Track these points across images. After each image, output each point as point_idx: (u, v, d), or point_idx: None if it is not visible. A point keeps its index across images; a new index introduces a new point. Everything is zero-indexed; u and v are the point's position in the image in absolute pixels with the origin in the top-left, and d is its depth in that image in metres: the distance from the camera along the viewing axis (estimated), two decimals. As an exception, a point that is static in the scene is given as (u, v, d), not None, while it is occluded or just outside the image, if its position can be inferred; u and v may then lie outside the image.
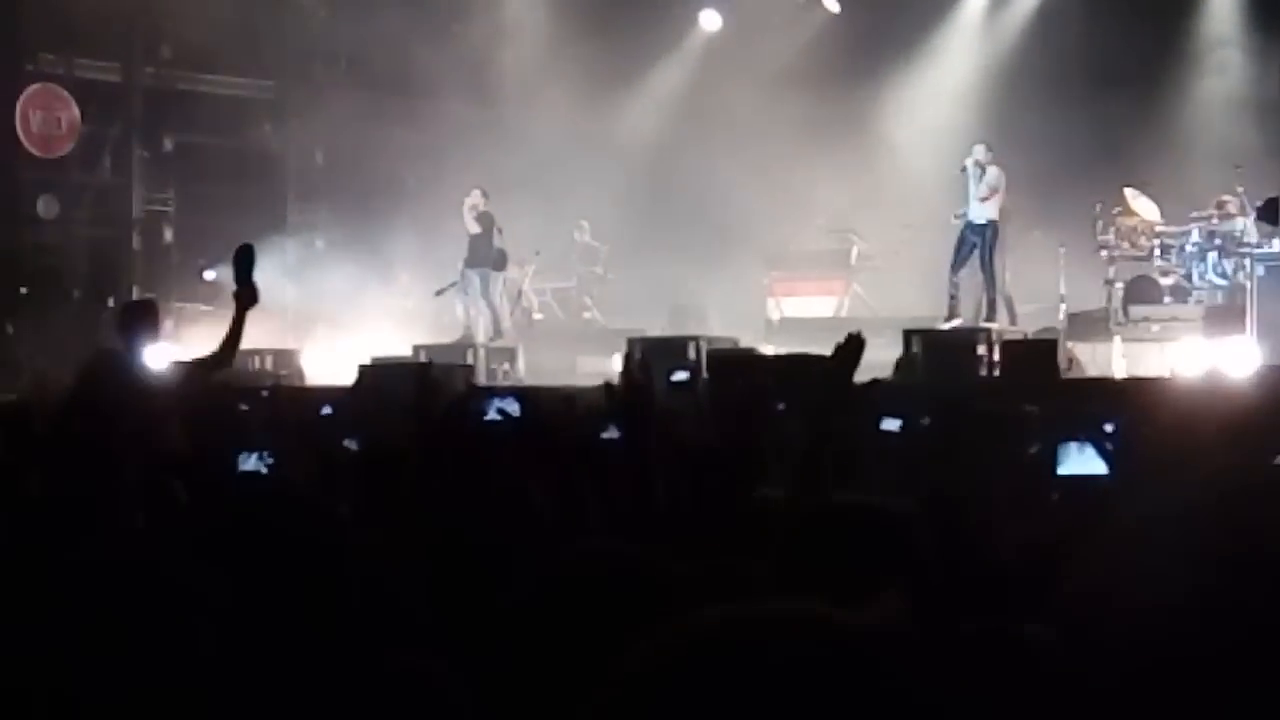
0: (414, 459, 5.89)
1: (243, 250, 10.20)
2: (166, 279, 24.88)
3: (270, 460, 6.30)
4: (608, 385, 5.26)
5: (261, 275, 10.16)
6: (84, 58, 24.76)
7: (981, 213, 21.09)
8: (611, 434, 7.46)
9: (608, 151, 26.24)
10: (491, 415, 7.58)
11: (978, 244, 21.13)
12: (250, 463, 6.35)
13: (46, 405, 9.41)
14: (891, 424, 9.66)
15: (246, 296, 10.03)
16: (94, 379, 9.86)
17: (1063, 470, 6.19)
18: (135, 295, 23.31)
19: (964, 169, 21.32)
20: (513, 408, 6.70)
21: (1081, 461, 6.18)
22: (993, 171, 21.14)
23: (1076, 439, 6.27)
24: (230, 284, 10.30)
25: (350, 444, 7.68)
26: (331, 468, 6.48)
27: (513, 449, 5.48)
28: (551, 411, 7.47)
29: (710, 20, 28.51)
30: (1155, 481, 5.66)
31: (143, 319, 10.54)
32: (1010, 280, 22.48)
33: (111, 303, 23.81)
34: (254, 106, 26.68)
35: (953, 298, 21.30)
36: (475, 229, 22.92)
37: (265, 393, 13.09)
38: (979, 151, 21.34)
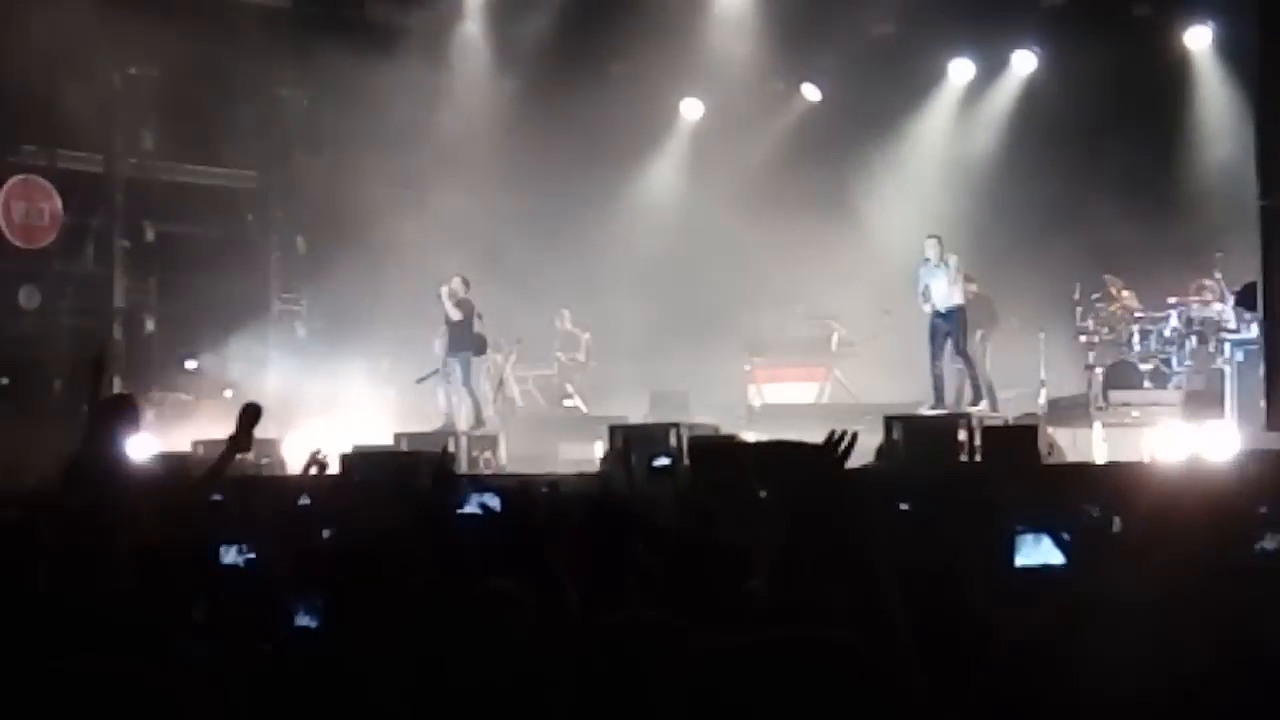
0: (394, 552, 5.90)
1: (250, 408, 10.17)
2: (148, 369, 24.85)
3: (250, 554, 6.28)
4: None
5: (243, 363, 10.17)
6: (66, 149, 24.82)
7: (948, 300, 21.31)
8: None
9: (589, 239, 26.33)
10: (471, 509, 7.57)
11: (950, 331, 21.36)
12: (230, 555, 6.33)
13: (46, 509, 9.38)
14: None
15: (240, 445, 10.01)
16: (79, 482, 9.81)
17: (1020, 561, 6.17)
18: (117, 386, 23.29)
19: (927, 260, 21.60)
20: (494, 502, 6.69)
21: (1038, 553, 6.17)
22: (953, 260, 21.40)
23: (1034, 530, 6.26)
24: (212, 373, 10.29)
25: (328, 534, 7.67)
26: (309, 560, 6.46)
27: (493, 547, 5.47)
28: (531, 505, 7.46)
29: (692, 109, 28.68)
30: (1114, 569, 5.67)
31: (122, 414, 10.49)
32: (990, 367, 22.60)
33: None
34: (236, 196, 26.75)
35: (937, 386, 21.44)
36: (456, 316, 22.97)
37: (242, 483, 13.02)
38: (932, 246, 21.59)
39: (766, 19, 26.37)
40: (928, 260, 21.62)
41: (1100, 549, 6.60)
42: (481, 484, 8.34)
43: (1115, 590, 3.17)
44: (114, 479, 9.60)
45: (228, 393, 24.88)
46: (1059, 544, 6.07)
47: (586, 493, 11.35)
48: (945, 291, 21.39)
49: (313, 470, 9.20)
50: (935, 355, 21.61)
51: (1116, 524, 8.35)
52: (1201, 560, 6.30)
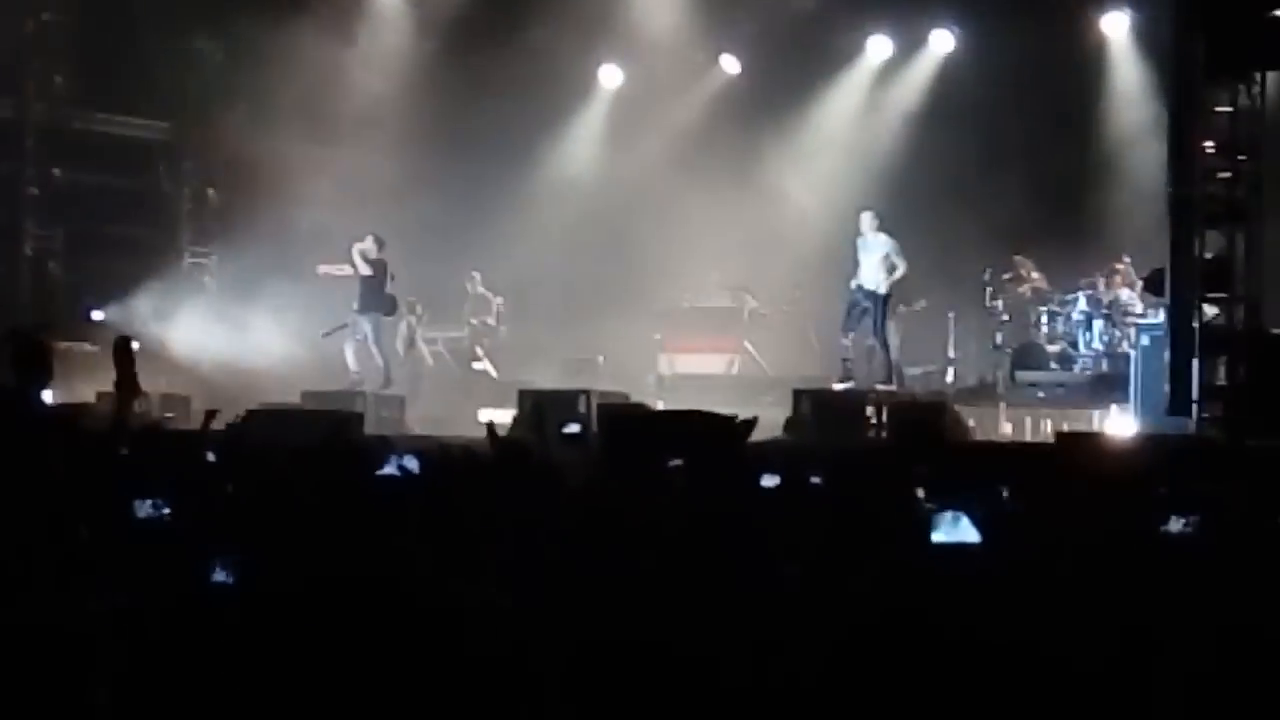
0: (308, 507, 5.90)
1: (119, 344, 10.00)
2: (54, 317, 24.56)
3: (164, 509, 6.24)
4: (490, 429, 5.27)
5: (150, 315, 10.07)
6: (-27, 95, 24.53)
7: (875, 279, 21.09)
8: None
9: (504, 203, 26.29)
10: (390, 470, 7.56)
11: (870, 309, 21.09)
12: (146, 509, 6.29)
13: None
14: (770, 481, 9.77)
15: (127, 388, 9.87)
16: None
17: (936, 538, 6.24)
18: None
19: (860, 233, 21.43)
20: (412, 465, 6.68)
21: (955, 531, 6.24)
22: (885, 240, 21.18)
23: (950, 508, 6.34)
24: (119, 324, 10.19)
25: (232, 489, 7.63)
26: (219, 515, 6.45)
27: (414, 509, 5.48)
28: (449, 468, 7.46)
29: (610, 76, 28.64)
30: (1024, 549, 5.76)
31: (34, 360, 10.35)
32: (898, 345, 22.73)
33: (-4, 339, 23.52)
34: (148, 146, 26.46)
35: (845, 360, 21.39)
36: (367, 272, 22.77)
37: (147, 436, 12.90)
38: (866, 220, 21.42)
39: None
40: (861, 234, 21.45)
41: (1010, 528, 6.68)
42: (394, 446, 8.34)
43: (1027, 571, 3.23)
44: (25, 425, 9.51)
45: (134, 344, 24.62)
46: (975, 522, 6.15)
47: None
48: (872, 270, 21.07)
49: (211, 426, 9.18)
50: (847, 328, 21.36)
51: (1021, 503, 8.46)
52: (1107, 541, 6.41)
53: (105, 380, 20.74)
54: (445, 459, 6.37)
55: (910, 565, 5.70)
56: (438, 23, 27.16)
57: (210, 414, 9.19)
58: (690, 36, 27.23)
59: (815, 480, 8.85)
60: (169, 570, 3.19)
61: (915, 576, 5.46)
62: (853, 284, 21.30)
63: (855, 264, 21.39)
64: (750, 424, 5.56)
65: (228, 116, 26.48)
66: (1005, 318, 22.50)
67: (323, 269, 23.26)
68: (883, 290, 20.99)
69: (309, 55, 25.67)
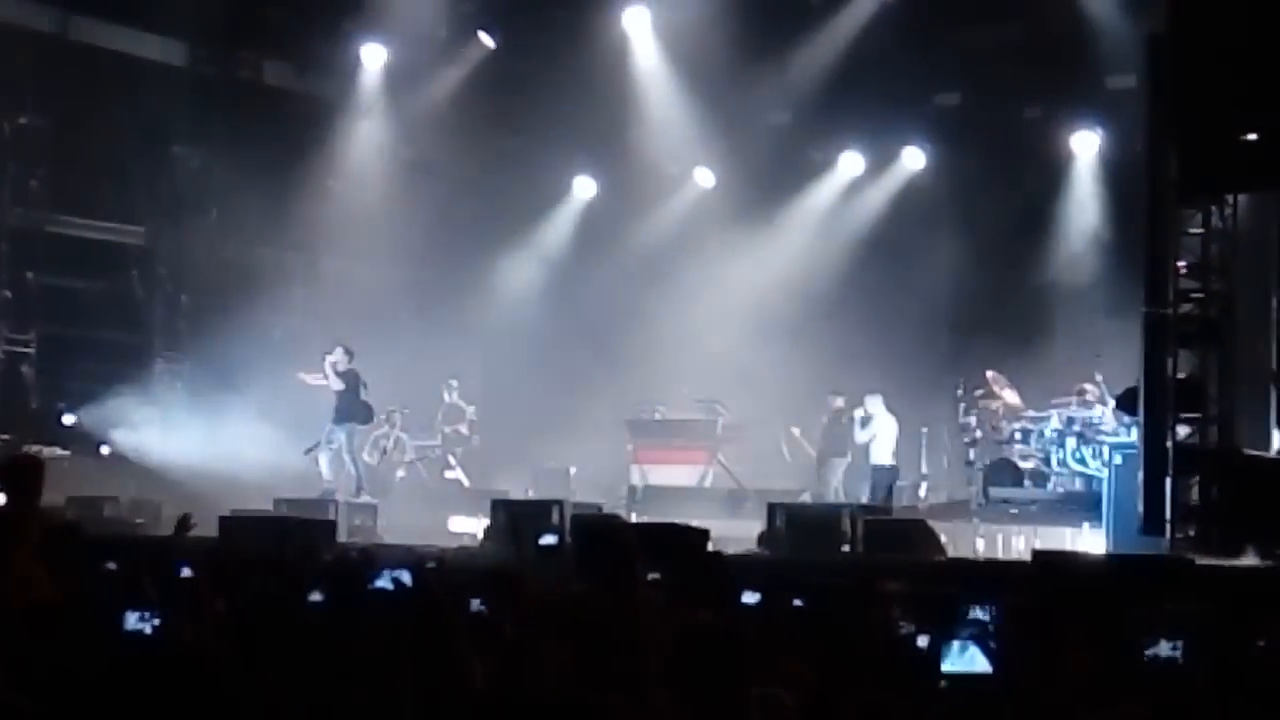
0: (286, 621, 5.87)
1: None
2: (25, 421, 24.44)
3: (155, 620, 6.19)
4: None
5: (122, 420, 9.99)
6: (-52, 193, 24.50)
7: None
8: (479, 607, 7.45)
9: (478, 311, 26.35)
10: (384, 584, 7.52)
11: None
12: (132, 621, 6.23)
13: None
14: (751, 597, 9.71)
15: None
16: None
17: (947, 667, 6.19)
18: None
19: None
20: (405, 578, 6.67)
21: (964, 659, 6.20)
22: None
23: (958, 637, 6.31)
24: (90, 429, 10.10)
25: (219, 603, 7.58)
26: (203, 627, 6.40)
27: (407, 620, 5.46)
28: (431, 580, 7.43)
29: (584, 186, 28.80)
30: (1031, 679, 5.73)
31: (27, 474, 10.19)
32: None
33: (-35, 441, 23.42)
34: (122, 251, 26.43)
35: None
36: (339, 386, 22.81)
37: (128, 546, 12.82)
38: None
39: (664, 103, 26.56)
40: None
41: (1006, 654, 6.67)
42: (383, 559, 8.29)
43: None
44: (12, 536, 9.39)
45: (105, 449, 24.58)
46: (985, 651, 6.11)
47: (477, 567, 11.31)
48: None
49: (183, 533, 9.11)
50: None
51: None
52: (1090, 668, 6.39)
53: (75, 485, 20.82)
54: (435, 571, 6.36)
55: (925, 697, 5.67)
56: (415, 130, 27.32)
57: (185, 521, 9.11)
58: (665, 150, 27.43)
59: (797, 602, 8.83)
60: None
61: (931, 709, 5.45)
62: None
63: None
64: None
65: (202, 222, 26.52)
66: (978, 434, 22.53)
67: (302, 376, 23.22)
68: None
69: (284, 162, 25.79)
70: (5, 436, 23.45)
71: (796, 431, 24.50)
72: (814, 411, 23.96)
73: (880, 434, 22.93)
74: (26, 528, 9.56)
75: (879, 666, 6.14)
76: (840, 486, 23.21)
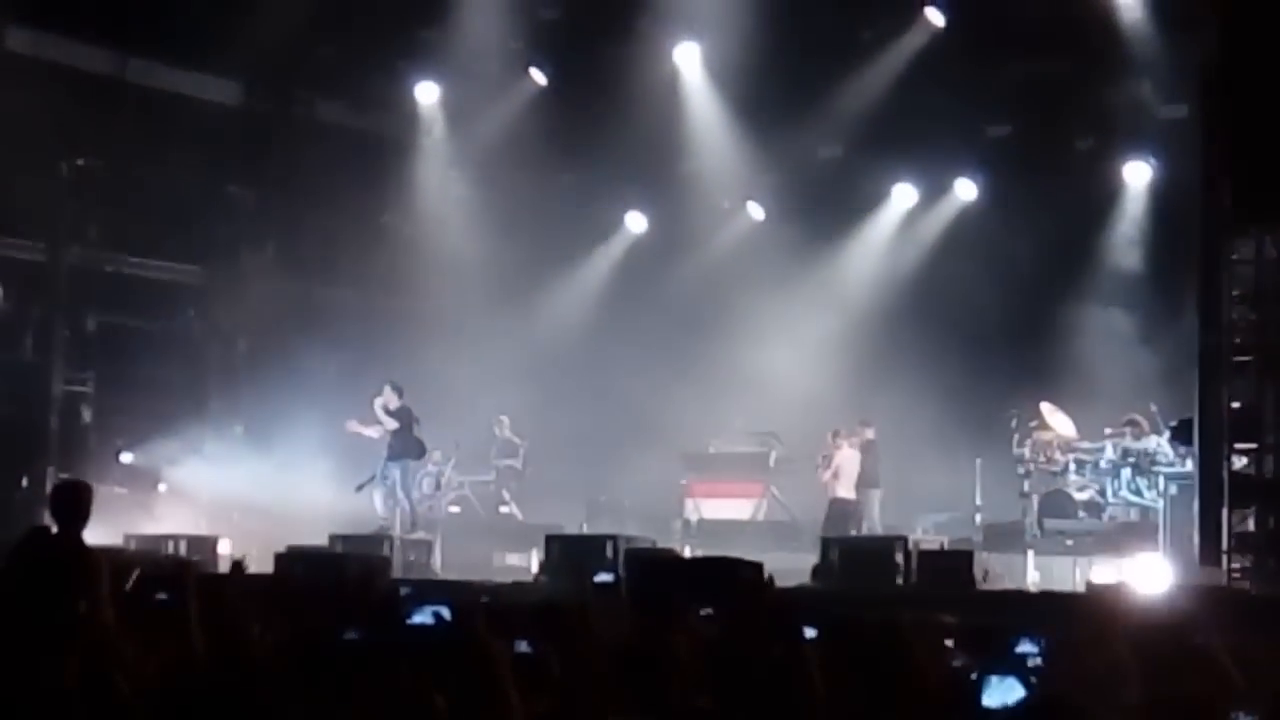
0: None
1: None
2: (83, 460, 24.63)
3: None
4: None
5: (179, 458, 10.09)
6: (9, 236, 24.70)
7: None
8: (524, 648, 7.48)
9: (531, 346, 26.42)
10: (423, 619, 7.55)
11: None
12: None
13: None
14: (809, 631, 9.69)
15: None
16: (27, 558, 9.76)
17: (987, 702, 6.17)
18: (51, 475, 23.12)
19: None
20: (444, 612, 6.69)
21: (1004, 692, 6.18)
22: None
23: (998, 671, 6.29)
24: (147, 467, 10.23)
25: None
26: (253, 659, 6.44)
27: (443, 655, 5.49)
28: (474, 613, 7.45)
29: (636, 222, 28.88)
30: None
31: (76, 501, 10.38)
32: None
33: (25, 483, 23.60)
34: (179, 290, 26.65)
35: None
36: (392, 425, 22.84)
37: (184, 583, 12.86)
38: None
39: (716, 137, 26.61)
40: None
41: (1049, 686, 6.64)
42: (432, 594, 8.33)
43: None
44: (70, 564, 9.54)
45: (162, 487, 24.76)
46: (1025, 685, 6.10)
47: (532, 602, 11.34)
48: None
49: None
50: None
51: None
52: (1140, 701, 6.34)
53: (133, 523, 20.99)
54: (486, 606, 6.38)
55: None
56: (468, 167, 27.45)
57: (239, 566, 9.21)
58: (717, 184, 27.48)
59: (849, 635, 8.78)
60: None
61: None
62: None
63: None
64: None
65: (258, 260, 26.69)
66: (1032, 465, 22.45)
67: (355, 428, 23.26)
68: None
69: (340, 199, 25.98)
70: (64, 475, 23.61)
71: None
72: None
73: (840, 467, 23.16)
74: (92, 563, 9.71)
75: (930, 700, 6.12)
76: (878, 519, 23.16)
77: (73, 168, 25.15)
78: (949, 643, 10.05)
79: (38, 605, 8.53)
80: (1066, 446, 22.42)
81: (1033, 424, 22.82)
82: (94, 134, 24.92)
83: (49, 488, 23.43)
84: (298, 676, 5.94)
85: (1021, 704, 5.84)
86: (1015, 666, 6.39)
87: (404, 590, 11.83)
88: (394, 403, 22.93)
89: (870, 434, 23.54)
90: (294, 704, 5.05)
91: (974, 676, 6.51)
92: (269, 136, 26.56)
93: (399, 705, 5.17)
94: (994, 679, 6.12)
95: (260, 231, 26.83)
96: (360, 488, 23.03)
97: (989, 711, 5.99)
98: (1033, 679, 6.20)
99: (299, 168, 26.11)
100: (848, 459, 23.19)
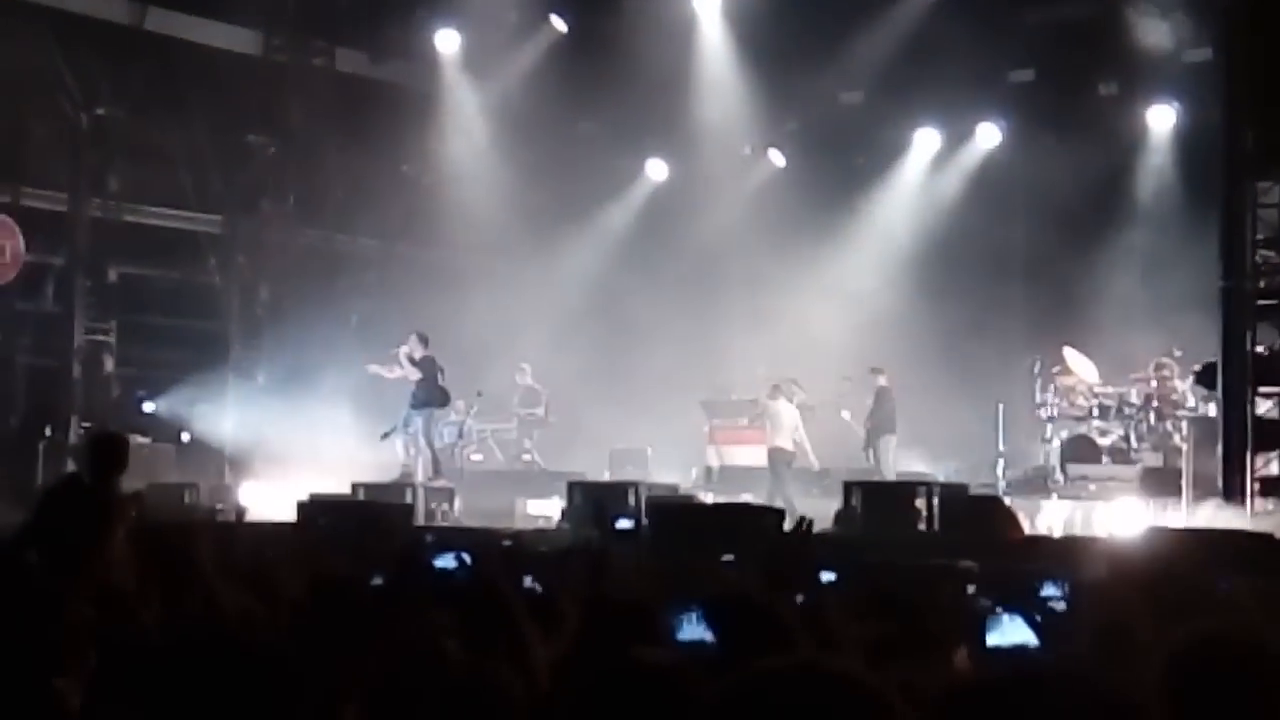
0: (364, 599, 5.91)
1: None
2: (105, 409, 24.71)
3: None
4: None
5: (201, 407, 10.11)
6: (30, 187, 24.74)
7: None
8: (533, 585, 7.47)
9: (551, 295, 26.40)
10: (446, 563, 7.56)
11: None
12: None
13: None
14: (828, 575, 9.70)
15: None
16: (57, 505, 9.82)
17: (991, 641, 6.10)
18: (74, 426, 23.20)
19: None
20: (466, 558, 6.69)
21: (1011, 632, 6.11)
22: None
23: (1006, 609, 6.21)
24: (170, 416, 10.26)
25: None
26: (278, 607, 6.44)
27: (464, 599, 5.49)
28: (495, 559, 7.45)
29: (657, 170, 28.81)
30: (1088, 655, 5.66)
31: (114, 452, 10.40)
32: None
33: (49, 432, 23.69)
34: (200, 241, 26.64)
35: None
36: (415, 375, 22.76)
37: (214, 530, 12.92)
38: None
39: (736, 84, 26.50)
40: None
41: (1067, 629, 6.60)
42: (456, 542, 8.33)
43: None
44: (90, 512, 9.58)
45: (184, 436, 24.82)
46: (1031, 624, 6.03)
47: (554, 546, 11.36)
48: None
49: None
50: None
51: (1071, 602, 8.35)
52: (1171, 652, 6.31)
53: (156, 472, 21.01)
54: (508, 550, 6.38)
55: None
56: (489, 115, 27.36)
57: (241, 514, 9.28)
58: (738, 130, 27.38)
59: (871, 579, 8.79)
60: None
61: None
62: None
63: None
64: (810, 523, 5.55)
65: (279, 210, 26.67)
66: (1055, 410, 22.39)
67: (373, 369, 23.25)
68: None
69: (358, 148, 25.92)
70: (86, 425, 23.71)
71: (847, 415, 24.39)
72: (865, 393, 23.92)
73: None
74: (124, 509, 9.77)
75: (949, 641, 6.08)
76: (894, 464, 23.10)
77: (92, 118, 25.16)
78: (971, 589, 10.05)
79: (69, 552, 8.57)
80: (1089, 392, 22.36)
81: (1055, 369, 22.76)
82: (112, 84, 24.92)
83: (72, 436, 23.62)
84: (324, 620, 5.95)
85: (1026, 669, 5.78)
86: (1038, 609, 6.32)
87: (427, 538, 11.86)
88: (419, 352, 22.87)
89: (883, 380, 23.46)
90: (320, 647, 5.05)
91: (985, 611, 6.46)
92: (288, 86, 26.48)
93: (416, 649, 5.16)
94: (1004, 617, 6.03)
95: (280, 181, 26.77)
96: (385, 435, 23.01)
97: (994, 653, 5.92)
98: (1037, 618, 6.13)
99: (318, 117, 26.04)
100: (781, 411, 23.10)
